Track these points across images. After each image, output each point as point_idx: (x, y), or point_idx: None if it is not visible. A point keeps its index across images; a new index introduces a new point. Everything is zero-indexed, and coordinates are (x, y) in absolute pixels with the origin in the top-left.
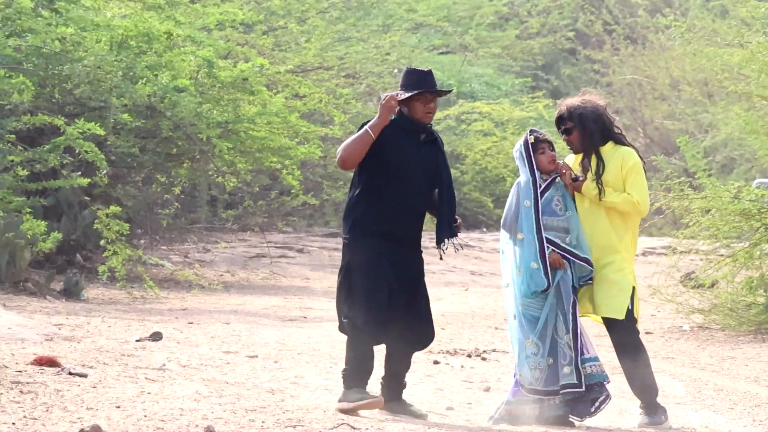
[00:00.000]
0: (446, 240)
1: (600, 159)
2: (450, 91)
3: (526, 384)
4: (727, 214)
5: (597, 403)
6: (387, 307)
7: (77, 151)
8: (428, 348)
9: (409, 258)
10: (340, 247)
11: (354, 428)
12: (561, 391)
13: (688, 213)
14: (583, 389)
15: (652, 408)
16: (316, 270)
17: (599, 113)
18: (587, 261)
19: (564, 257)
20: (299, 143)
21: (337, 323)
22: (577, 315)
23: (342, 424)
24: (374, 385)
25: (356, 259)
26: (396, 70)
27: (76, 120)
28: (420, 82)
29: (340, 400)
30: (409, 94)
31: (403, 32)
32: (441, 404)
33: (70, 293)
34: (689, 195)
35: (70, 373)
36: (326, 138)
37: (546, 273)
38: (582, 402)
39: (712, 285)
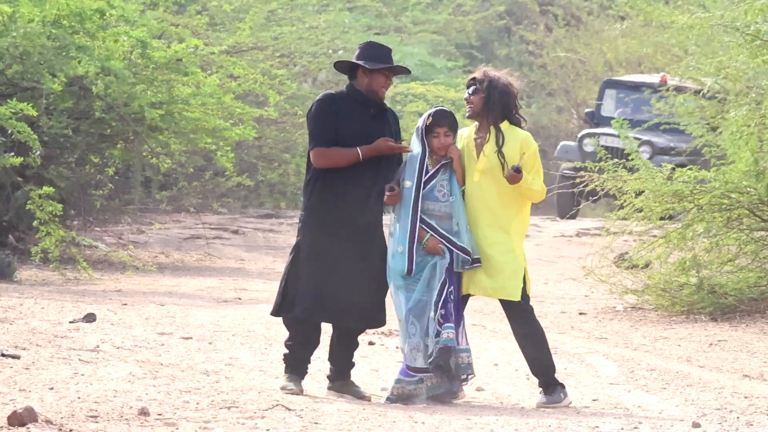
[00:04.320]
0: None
1: (499, 131)
2: (409, 72)
3: (410, 363)
4: (660, 195)
5: (461, 385)
6: (333, 288)
7: (9, 132)
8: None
9: (366, 235)
10: (275, 228)
11: (289, 409)
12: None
13: (621, 194)
14: (429, 371)
15: (550, 387)
16: (251, 251)
17: (508, 89)
18: (464, 251)
19: (443, 243)
20: (234, 124)
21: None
22: (442, 299)
23: (276, 405)
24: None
25: (307, 239)
26: (331, 51)
27: (8, 100)
28: (383, 57)
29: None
30: (379, 66)
31: (338, 13)
32: (376, 385)
33: (3, 274)
34: (623, 176)
35: (3, 355)
36: (261, 119)
37: (410, 258)
38: (454, 380)
39: (646, 266)
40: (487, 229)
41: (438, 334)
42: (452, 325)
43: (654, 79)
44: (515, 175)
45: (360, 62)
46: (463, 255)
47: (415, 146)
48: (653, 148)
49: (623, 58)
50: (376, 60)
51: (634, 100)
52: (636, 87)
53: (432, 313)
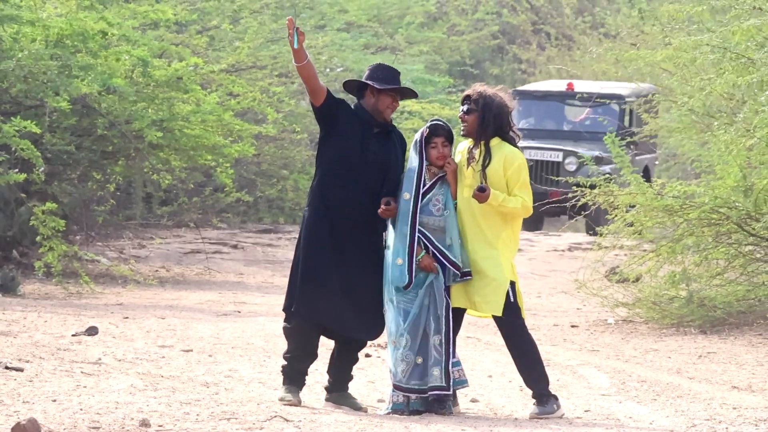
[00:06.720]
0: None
1: (488, 152)
2: (416, 95)
3: (394, 380)
4: (651, 210)
5: (447, 406)
6: (333, 296)
7: (13, 149)
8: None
9: (364, 248)
10: (273, 243)
11: (287, 420)
12: (429, 392)
13: (613, 209)
14: (450, 392)
15: (543, 398)
16: (250, 265)
17: (503, 110)
18: (455, 265)
19: (435, 257)
20: (233, 141)
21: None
22: (450, 318)
23: (275, 416)
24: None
25: (306, 249)
26: (328, 70)
27: (12, 118)
28: (392, 79)
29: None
30: (387, 87)
31: (335, 32)
32: (372, 397)
33: (7, 288)
34: (614, 191)
35: (7, 368)
36: (260, 136)
37: (410, 270)
38: (438, 402)
39: (636, 279)
40: (475, 244)
41: (446, 366)
42: (459, 361)
43: (560, 86)
44: (480, 194)
45: (369, 82)
46: (453, 269)
47: (413, 160)
48: (578, 158)
49: (614, 76)
50: (385, 81)
51: (539, 110)
52: (542, 96)
53: (439, 339)
